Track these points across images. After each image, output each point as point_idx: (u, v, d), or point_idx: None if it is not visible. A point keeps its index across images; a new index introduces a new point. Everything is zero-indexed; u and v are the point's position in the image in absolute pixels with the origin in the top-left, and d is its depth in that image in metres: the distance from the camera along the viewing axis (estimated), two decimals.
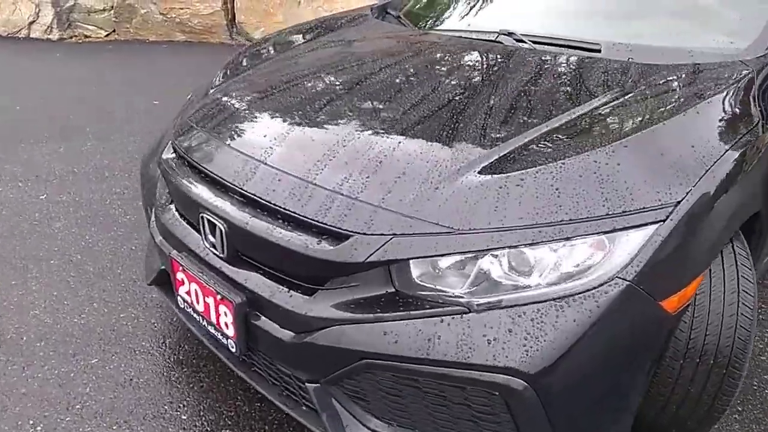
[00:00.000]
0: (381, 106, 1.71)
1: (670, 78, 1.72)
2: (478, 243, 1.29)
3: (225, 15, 6.88)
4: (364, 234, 1.33)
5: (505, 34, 2.07)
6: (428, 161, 1.44)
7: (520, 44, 2.02)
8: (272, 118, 1.75)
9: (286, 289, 1.45)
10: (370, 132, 1.58)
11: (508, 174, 1.36)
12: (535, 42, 2.00)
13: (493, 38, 2.07)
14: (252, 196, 1.50)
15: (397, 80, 1.86)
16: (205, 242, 1.62)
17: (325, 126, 1.66)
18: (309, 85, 1.93)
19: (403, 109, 1.67)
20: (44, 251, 2.74)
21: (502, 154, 1.43)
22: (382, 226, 1.33)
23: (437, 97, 1.72)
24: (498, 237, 1.28)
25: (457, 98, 1.71)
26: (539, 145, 1.45)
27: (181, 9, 6.77)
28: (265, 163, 1.55)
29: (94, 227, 2.97)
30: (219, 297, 1.55)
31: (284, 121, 1.71)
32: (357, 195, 1.39)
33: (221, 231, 1.54)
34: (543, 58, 1.92)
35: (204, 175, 1.66)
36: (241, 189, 1.52)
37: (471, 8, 2.40)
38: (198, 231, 1.67)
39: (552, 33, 2.02)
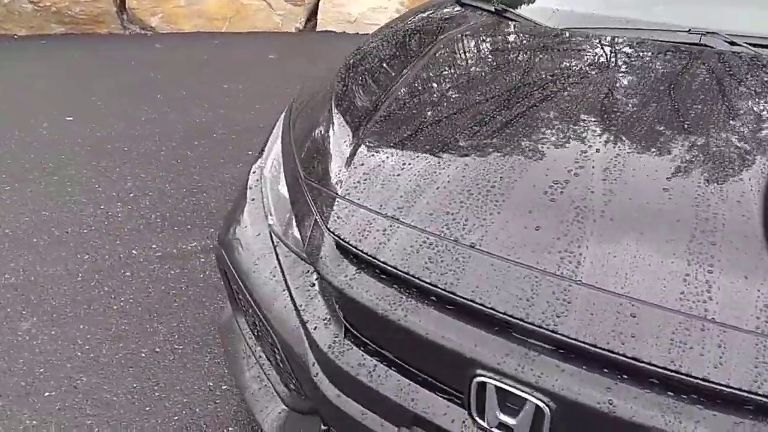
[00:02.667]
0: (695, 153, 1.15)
1: None
2: None
3: (113, 0, 5.74)
4: None
5: (703, 34, 1.59)
6: None
7: (735, 47, 1.55)
8: (530, 188, 1.13)
9: None
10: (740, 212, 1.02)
11: None
12: (755, 45, 1.54)
13: (695, 40, 1.58)
14: (600, 351, 0.91)
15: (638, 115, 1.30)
16: (475, 421, 1.00)
17: (650, 204, 1.06)
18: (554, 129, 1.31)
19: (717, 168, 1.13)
20: None
21: None
22: None
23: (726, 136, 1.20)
24: None
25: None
26: None
27: None
28: (582, 283, 0.96)
29: None
30: None
31: (556, 197, 1.09)
32: None
33: (532, 411, 0.94)
34: None
35: (463, 309, 1.03)
36: (577, 341, 0.92)
37: None
38: (451, 397, 1.06)
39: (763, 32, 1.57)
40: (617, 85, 1.43)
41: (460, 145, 1.27)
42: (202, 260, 2.50)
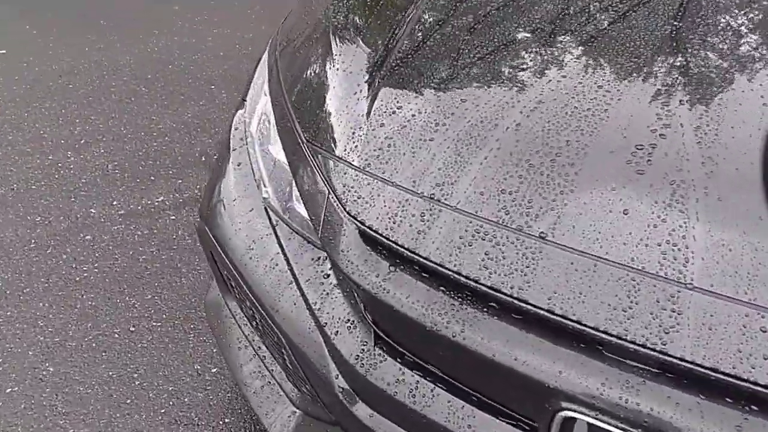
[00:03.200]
0: None
1: None
2: None
3: None
4: None
5: None
6: None
7: None
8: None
9: None
10: None
11: None
12: None
13: None
14: (724, 376, 0.71)
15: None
16: None
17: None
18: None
19: None
20: None
21: None
22: None
23: None
24: None
25: None
26: None
27: None
28: (695, 288, 0.75)
29: None
30: None
31: (644, 168, 0.84)
32: None
33: None
34: None
35: (538, 322, 0.81)
36: (694, 365, 0.72)
37: None
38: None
39: None
40: (690, 8, 1.16)
41: (509, 95, 1.01)
42: (172, 218, 2.22)
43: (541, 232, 0.85)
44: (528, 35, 1.14)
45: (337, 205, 1.00)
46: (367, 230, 0.94)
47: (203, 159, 2.54)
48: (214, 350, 1.71)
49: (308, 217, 1.11)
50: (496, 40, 1.15)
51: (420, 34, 1.19)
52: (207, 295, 1.52)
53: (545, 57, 1.08)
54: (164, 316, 1.83)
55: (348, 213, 0.97)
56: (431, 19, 1.23)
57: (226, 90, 3.05)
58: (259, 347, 1.33)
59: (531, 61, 1.08)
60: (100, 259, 2.03)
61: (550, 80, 1.03)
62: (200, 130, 2.73)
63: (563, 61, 1.06)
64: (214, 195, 1.28)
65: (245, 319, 1.36)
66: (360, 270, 0.94)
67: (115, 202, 2.29)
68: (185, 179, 2.42)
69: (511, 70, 1.07)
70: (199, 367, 1.68)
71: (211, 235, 1.24)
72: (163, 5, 3.98)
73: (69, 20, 3.74)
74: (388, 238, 0.92)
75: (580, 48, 1.08)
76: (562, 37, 1.13)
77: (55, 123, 2.75)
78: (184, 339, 1.75)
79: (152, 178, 2.42)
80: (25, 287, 1.92)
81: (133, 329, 1.78)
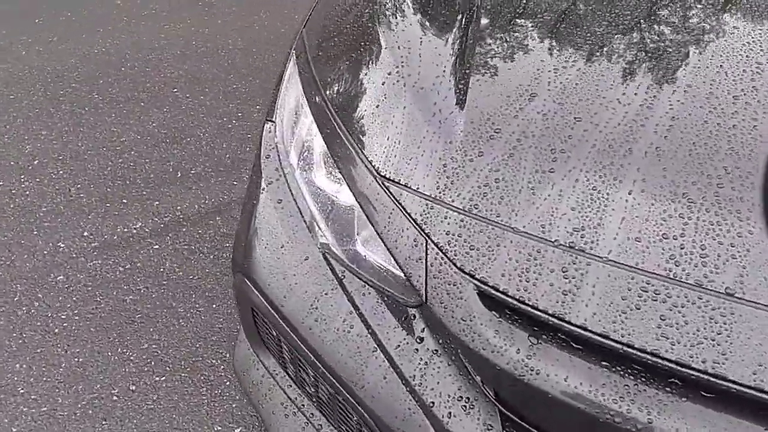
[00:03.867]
0: None
1: None
2: None
3: None
4: None
5: None
6: None
7: None
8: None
9: None
10: None
11: None
12: None
13: None
14: None
15: None
16: None
17: None
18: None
19: None
20: None
21: None
22: None
23: None
24: None
25: None
26: None
27: None
28: None
29: None
30: None
31: None
32: None
33: None
34: None
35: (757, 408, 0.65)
36: None
37: None
38: None
39: None
40: None
41: (636, 109, 0.84)
42: (156, 247, 1.96)
43: (727, 288, 0.68)
44: (654, 28, 0.97)
45: (442, 258, 0.81)
46: (495, 293, 0.76)
47: (179, 175, 2.27)
48: (234, 405, 1.49)
49: (384, 266, 0.91)
50: (612, 33, 0.97)
51: (503, 31, 1.00)
52: (235, 351, 1.29)
53: (680, 57, 0.91)
54: (167, 368, 1.58)
55: (461, 269, 0.78)
56: (514, 12, 1.04)
57: (191, 93, 2.76)
58: (312, 414, 1.13)
59: (663, 60, 0.91)
60: (80, 304, 1.76)
61: (690, 86, 0.86)
62: (170, 141, 2.45)
63: (705, 63, 0.89)
64: (253, 241, 1.06)
65: (289, 379, 1.16)
66: (491, 345, 0.75)
67: (85, 233, 2.00)
68: (162, 200, 2.15)
69: (632, 73, 0.90)
70: (220, 428, 1.45)
71: (257, 293, 1.02)
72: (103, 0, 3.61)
73: None
74: (525, 302, 0.74)
75: (716, 53, 0.92)
76: (695, 37, 0.96)
77: (0, 142, 2.41)
78: (196, 394, 1.52)
79: (124, 200, 2.14)
80: None
81: (134, 388, 1.54)
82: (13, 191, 2.17)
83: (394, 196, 0.87)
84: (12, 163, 2.30)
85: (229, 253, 1.94)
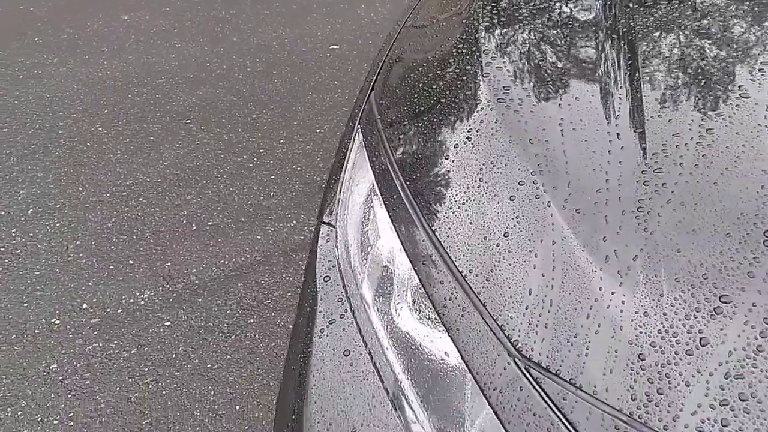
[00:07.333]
0: None
1: None
2: None
3: None
4: None
5: None
6: None
7: None
8: None
9: None
10: None
11: None
12: None
13: None
14: None
15: None
16: None
17: None
18: None
19: None
20: None
21: None
22: None
23: None
24: None
25: None
26: None
27: None
28: None
29: None
30: None
31: None
32: None
33: None
34: None
35: None
36: None
37: None
38: None
39: None
40: None
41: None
42: (167, 324, 1.64)
43: None
44: None
45: None
46: None
47: (194, 227, 1.96)
48: None
49: None
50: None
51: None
52: None
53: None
54: None
55: None
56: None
57: (206, 125, 2.45)
58: None
59: None
60: (76, 404, 1.44)
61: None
62: (183, 185, 2.14)
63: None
64: (307, 413, 0.74)
65: None
66: None
67: (84, 305, 1.69)
68: (174, 260, 1.84)
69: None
70: None
71: None
72: (109, 14, 3.31)
73: None
74: None
75: None
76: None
77: None
78: None
79: (130, 261, 1.83)
80: None
81: None
82: (2, 249, 1.86)
83: (551, 400, 0.55)
84: (3, 212, 1.99)
85: (254, 333, 1.64)
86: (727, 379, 0.51)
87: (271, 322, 1.67)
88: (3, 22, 3.19)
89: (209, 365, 1.55)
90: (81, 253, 1.86)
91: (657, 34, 0.83)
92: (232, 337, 1.63)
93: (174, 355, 1.57)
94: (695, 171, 0.64)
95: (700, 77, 0.77)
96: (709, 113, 0.70)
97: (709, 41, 0.83)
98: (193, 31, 3.19)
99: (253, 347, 1.60)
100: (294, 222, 2.01)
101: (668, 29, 0.85)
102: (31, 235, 1.92)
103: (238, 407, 1.45)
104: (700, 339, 0.53)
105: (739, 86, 0.75)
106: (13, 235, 1.92)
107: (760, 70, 0.77)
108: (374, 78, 0.94)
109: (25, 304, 1.69)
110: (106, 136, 2.38)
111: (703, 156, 0.66)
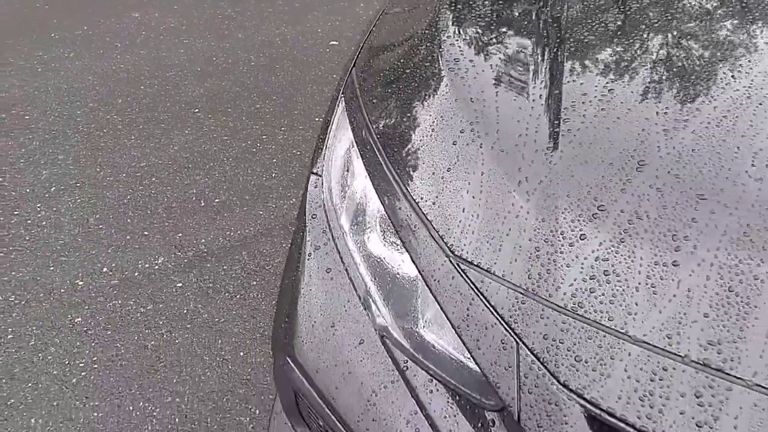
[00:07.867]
0: None
1: None
2: None
3: None
4: None
5: None
6: None
7: None
8: None
9: None
10: None
11: None
12: None
13: None
14: None
15: None
16: None
17: None
18: None
19: None
20: None
21: None
22: None
23: None
24: None
25: None
26: None
27: None
28: None
29: None
30: None
31: None
32: None
33: None
34: None
35: None
36: None
37: None
38: None
39: None
40: None
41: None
42: (179, 285, 1.84)
43: None
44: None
45: (539, 369, 0.67)
46: (609, 418, 0.62)
47: (202, 203, 2.16)
48: None
49: (455, 356, 0.78)
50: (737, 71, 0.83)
51: (600, 73, 0.87)
52: (271, 425, 1.16)
53: None
54: (193, 426, 1.46)
55: (565, 386, 0.65)
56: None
57: (213, 114, 2.65)
58: None
59: None
60: (99, 350, 1.64)
61: None
62: (192, 167, 2.34)
63: None
64: (298, 318, 0.93)
65: None
66: None
67: (104, 269, 1.89)
68: (185, 231, 2.04)
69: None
70: None
71: (304, 381, 0.89)
72: (120, 12, 3.51)
73: (8, 34, 3.24)
74: None
75: None
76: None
77: (15, 167, 2.31)
78: None
79: (145, 232, 2.03)
80: (9, 398, 1.52)
81: None
82: (29, 221, 2.06)
83: (473, 283, 0.74)
84: (28, 190, 2.20)
85: (256, 293, 1.82)
86: (597, 261, 0.70)
87: (272, 285, 1.86)
88: (21, 20, 3.39)
89: (217, 319, 1.74)
90: (101, 225, 2.06)
91: (583, 17, 1.02)
92: (237, 296, 1.82)
93: (185, 311, 1.76)
94: (594, 120, 0.83)
95: (612, 53, 0.95)
96: (611, 77, 0.89)
97: (627, 19, 1.02)
98: (200, 28, 3.39)
99: (256, 305, 1.79)
100: (293, 200, 2.20)
101: (593, 14, 1.04)
102: (55, 209, 2.11)
103: (242, 353, 1.64)
104: (581, 235, 0.72)
105: (641, 54, 0.93)
106: (38, 209, 2.12)
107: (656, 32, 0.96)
108: (356, 56, 1.13)
109: (51, 268, 1.89)
110: (121, 123, 2.58)
111: (602, 109, 0.85)
